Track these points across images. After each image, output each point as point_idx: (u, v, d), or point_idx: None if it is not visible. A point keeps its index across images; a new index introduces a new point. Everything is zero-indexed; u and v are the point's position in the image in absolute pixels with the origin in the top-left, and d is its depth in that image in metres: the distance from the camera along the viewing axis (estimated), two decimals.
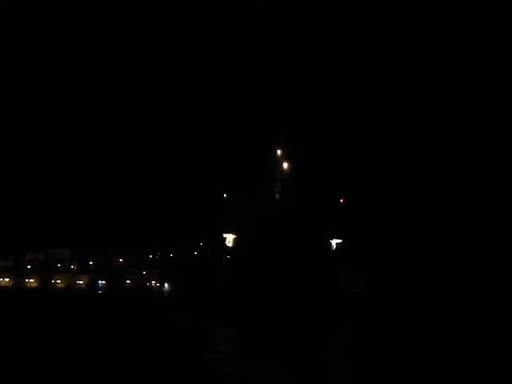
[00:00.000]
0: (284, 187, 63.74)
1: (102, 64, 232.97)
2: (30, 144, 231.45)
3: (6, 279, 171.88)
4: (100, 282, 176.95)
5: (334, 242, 56.12)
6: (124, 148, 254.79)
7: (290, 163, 67.74)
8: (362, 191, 55.70)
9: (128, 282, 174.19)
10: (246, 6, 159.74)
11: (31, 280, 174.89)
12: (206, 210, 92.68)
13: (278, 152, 73.28)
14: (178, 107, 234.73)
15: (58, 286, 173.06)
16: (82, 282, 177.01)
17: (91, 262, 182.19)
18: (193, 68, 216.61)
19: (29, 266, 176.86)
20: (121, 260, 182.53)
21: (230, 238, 69.79)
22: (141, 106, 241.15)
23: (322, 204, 56.34)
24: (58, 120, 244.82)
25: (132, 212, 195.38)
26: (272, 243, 56.35)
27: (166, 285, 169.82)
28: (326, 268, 53.58)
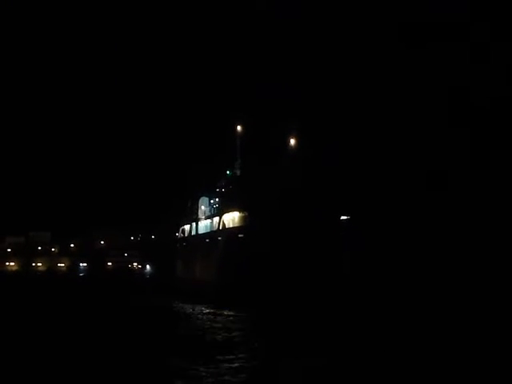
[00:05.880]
0: (291, 163, 60.23)
1: (87, 51, 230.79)
2: (10, 128, 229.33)
3: None
4: (81, 264, 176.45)
5: (341, 218, 52.31)
6: (104, 131, 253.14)
7: (296, 140, 64.67)
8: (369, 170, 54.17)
9: (109, 264, 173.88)
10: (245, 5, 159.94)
11: (12, 263, 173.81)
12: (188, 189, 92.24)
13: (239, 128, 70.80)
14: (155, 92, 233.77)
15: (39, 268, 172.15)
16: (63, 265, 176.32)
17: (72, 245, 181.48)
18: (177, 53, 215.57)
19: (9, 250, 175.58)
20: (102, 242, 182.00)
21: (231, 216, 64.41)
22: (118, 92, 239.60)
23: (331, 180, 53.04)
24: (39, 104, 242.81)
25: (113, 194, 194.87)
26: (285, 220, 52.00)
27: (147, 266, 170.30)
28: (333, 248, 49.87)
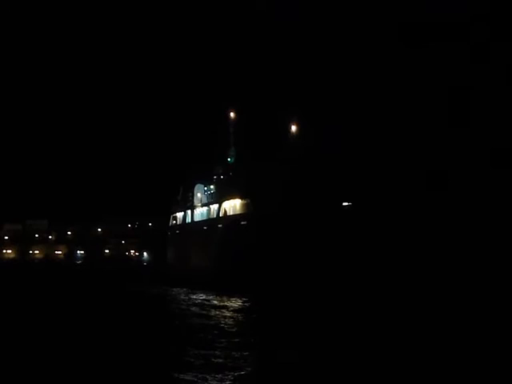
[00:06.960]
0: (292, 150, 59.50)
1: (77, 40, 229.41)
2: (8, 119, 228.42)
3: None
4: (79, 252, 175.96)
5: (343, 204, 50.88)
6: (100, 121, 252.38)
7: (297, 126, 63.85)
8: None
9: (107, 251, 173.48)
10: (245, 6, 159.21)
11: (9, 251, 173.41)
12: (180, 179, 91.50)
13: (232, 115, 69.93)
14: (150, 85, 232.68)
15: (36, 256, 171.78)
16: (60, 253, 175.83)
17: (69, 233, 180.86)
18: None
19: (6, 237, 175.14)
20: (99, 230, 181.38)
21: (232, 204, 63.30)
22: (112, 81, 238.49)
23: (332, 166, 51.96)
24: (38, 98, 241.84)
25: (111, 181, 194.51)
26: (289, 207, 51.00)
27: (145, 254, 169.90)
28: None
